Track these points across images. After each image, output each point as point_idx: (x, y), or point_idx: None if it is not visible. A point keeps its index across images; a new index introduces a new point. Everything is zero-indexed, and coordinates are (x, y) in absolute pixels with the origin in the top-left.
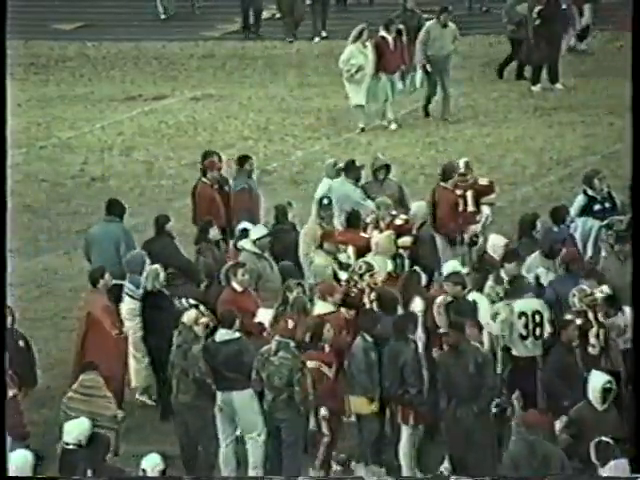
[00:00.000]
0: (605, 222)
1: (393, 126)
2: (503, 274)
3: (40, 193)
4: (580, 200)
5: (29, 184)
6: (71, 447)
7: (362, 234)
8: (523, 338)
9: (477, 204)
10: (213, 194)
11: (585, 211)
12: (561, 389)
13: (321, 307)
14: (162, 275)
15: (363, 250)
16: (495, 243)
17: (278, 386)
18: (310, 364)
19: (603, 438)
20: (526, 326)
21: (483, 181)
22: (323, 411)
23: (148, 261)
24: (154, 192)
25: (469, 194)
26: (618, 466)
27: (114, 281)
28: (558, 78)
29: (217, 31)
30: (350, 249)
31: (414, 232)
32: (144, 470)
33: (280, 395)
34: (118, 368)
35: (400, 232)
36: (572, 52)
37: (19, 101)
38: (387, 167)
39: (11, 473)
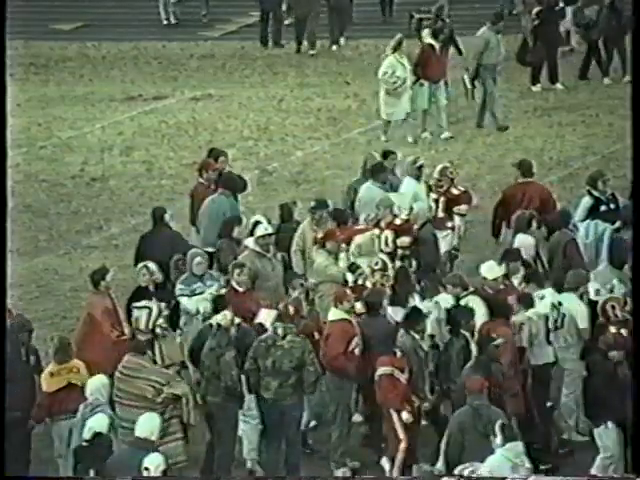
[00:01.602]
0: (616, 226)
1: (445, 134)
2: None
3: (40, 193)
4: (586, 202)
5: (29, 184)
6: (85, 444)
7: (358, 227)
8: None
9: (450, 212)
10: (209, 195)
11: (591, 213)
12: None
13: (335, 314)
14: (153, 270)
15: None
16: (524, 243)
17: (286, 370)
18: (383, 370)
19: (506, 420)
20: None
21: (456, 190)
22: (405, 415)
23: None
24: (154, 192)
25: (441, 200)
26: (513, 449)
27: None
28: (558, 78)
29: (217, 31)
30: (353, 247)
31: (415, 232)
32: (147, 469)
33: (288, 380)
34: (114, 369)
35: (400, 231)
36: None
37: (19, 101)
38: (382, 166)
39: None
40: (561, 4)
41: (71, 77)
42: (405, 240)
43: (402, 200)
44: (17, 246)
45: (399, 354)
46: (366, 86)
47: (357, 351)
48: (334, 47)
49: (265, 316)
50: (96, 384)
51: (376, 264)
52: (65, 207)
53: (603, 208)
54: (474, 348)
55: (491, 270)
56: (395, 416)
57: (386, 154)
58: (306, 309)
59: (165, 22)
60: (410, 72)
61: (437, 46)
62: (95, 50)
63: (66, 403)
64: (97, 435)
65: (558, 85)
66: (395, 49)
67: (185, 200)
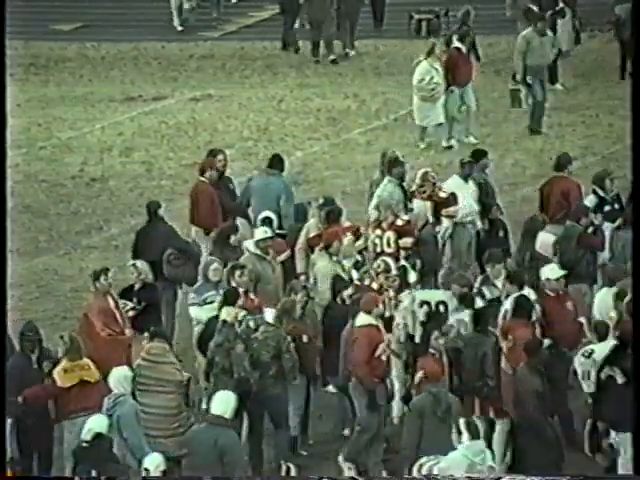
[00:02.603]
0: (617, 224)
1: (472, 139)
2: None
3: (40, 193)
4: (590, 200)
5: (29, 184)
6: (85, 445)
7: (350, 224)
8: None
9: (438, 216)
10: (212, 194)
11: (595, 212)
12: None
13: (363, 319)
14: (140, 269)
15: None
16: (544, 241)
17: (266, 360)
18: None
19: (472, 418)
20: None
21: (443, 193)
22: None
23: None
24: (154, 192)
25: (428, 204)
26: (472, 447)
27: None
28: (558, 78)
29: (217, 31)
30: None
31: (416, 232)
32: (147, 470)
33: (269, 371)
34: (109, 368)
35: (402, 232)
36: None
37: (19, 101)
38: (401, 163)
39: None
40: (561, 4)
41: (71, 77)
42: (407, 241)
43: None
44: (17, 246)
45: (438, 355)
46: (366, 86)
47: (384, 357)
48: (352, 52)
49: (225, 313)
50: (119, 376)
51: (378, 266)
52: (65, 207)
53: (607, 208)
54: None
55: (553, 271)
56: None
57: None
58: (302, 311)
59: (180, 28)
60: (443, 77)
61: (464, 50)
62: (95, 50)
63: (80, 400)
64: (97, 436)
65: (558, 85)
66: (428, 54)
67: (185, 200)
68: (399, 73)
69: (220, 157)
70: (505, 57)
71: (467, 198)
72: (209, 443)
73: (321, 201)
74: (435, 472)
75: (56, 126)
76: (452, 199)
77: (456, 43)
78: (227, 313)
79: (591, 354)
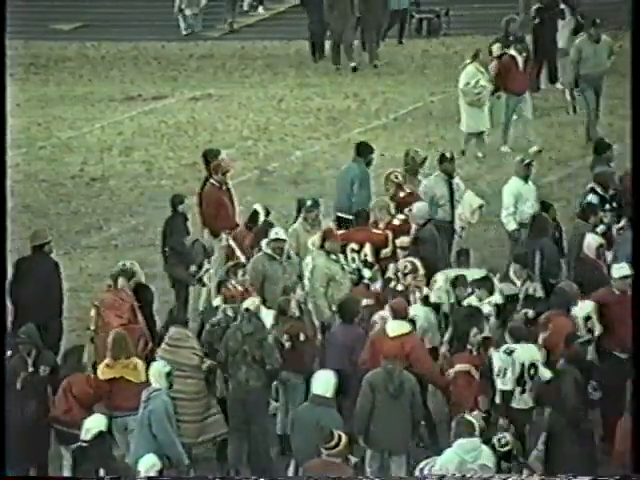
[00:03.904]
0: (621, 224)
1: (534, 148)
2: None
3: (40, 193)
4: (590, 199)
5: (29, 184)
6: (84, 445)
7: (375, 230)
8: None
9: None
10: (221, 197)
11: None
12: None
13: (402, 327)
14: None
15: (381, 246)
16: (590, 243)
17: (249, 350)
18: (460, 367)
19: (465, 415)
20: None
21: (403, 193)
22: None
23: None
24: (154, 192)
25: (392, 205)
26: (464, 445)
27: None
28: (558, 78)
29: (217, 31)
30: (368, 247)
31: (414, 232)
32: (146, 470)
33: (254, 362)
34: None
35: (399, 232)
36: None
37: (19, 101)
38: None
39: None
40: (561, 4)
41: (71, 77)
42: (404, 240)
43: (507, 199)
44: (17, 246)
45: (475, 352)
46: (366, 86)
47: None
48: (375, 62)
49: (250, 302)
50: (155, 370)
51: (405, 267)
52: (65, 207)
53: (607, 207)
54: None
55: (621, 269)
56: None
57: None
58: (299, 309)
59: (185, 32)
60: (490, 82)
61: (519, 58)
62: (95, 50)
63: (120, 399)
64: (98, 435)
65: (558, 85)
66: (474, 58)
67: (185, 200)
68: (399, 73)
69: (221, 157)
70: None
71: (530, 199)
72: (311, 423)
73: (309, 203)
74: (433, 473)
75: (56, 126)
76: (413, 197)
77: (511, 50)
78: (251, 302)
79: (512, 352)
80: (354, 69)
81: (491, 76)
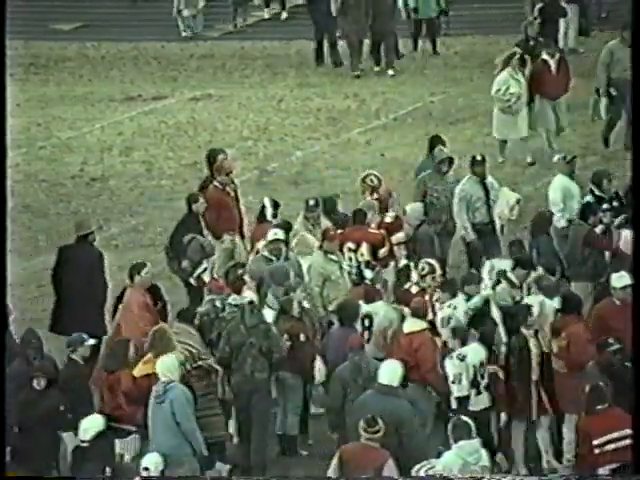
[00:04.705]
0: (617, 223)
1: (555, 158)
2: None
3: (40, 193)
4: (588, 199)
5: (29, 184)
6: (84, 445)
7: (371, 230)
8: None
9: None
10: (223, 198)
11: (592, 211)
12: None
13: (417, 324)
14: None
15: (378, 245)
16: (628, 239)
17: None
18: (489, 369)
19: (461, 417)
20: None
21: (377, 194)
22: (504, 417)
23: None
24: (154, 192)
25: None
26: (465, 447)
27: None
28: None
29: (217, 31)
30: (364, 246)
31: (410, 233)
32: (146, 469)
33: (259, 353)
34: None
35: (393, 230)
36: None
37: (19, 101)
38: (450, 160)
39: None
40: (562, 3)
41: (71, 77)
42: (400, 236)
43: (555, 196)
44: (17, 246)
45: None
46: (366, 86)
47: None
48: (390, 71)
49: (251, 295)
50: (166, 363)
51: (423, 269)
52: (65, 207)
53: (605, 206)
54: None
55: (621, 279)
56: (494, 418)
57: None
58: (300, 310)
59: (184, 34)
60: (525, 88)
61: (551, 61)
62: (95, 50)
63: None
64: (97, 436)
65: None
66: (507, 63)
67: (184, 200)
68: (399, 73)
69: (222, 157)
70: None
71: (575, 195)
72: (376, 410)
73: (311, 202)
74: (432, 474)
75: (56, 126)
76: (390, 200)
77: (543, 54)
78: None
79: (464, 358)
80: (357, 76)
81: (524, 82)
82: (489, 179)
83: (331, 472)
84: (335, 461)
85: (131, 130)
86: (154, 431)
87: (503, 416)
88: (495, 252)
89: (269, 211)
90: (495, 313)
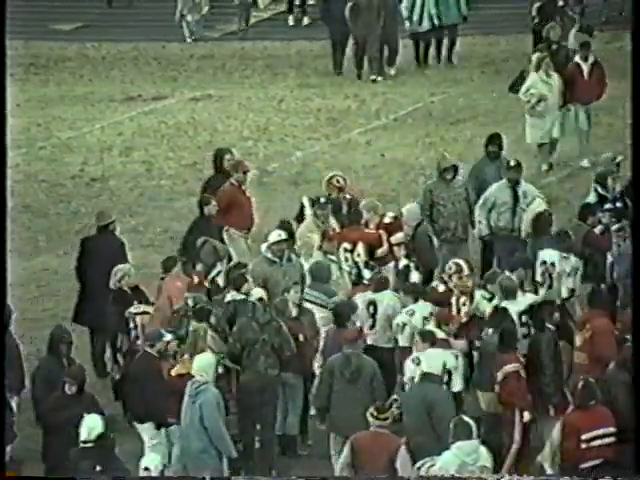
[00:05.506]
0: (620, 225)
1: (584, 162)
2: None
3: (40, 193)
4: (590, 199)
5: (29, 184)
6: (87, 445)
7: (367, 230)
8: None
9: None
10: (237, 195)
11: (594, 210)
12: None
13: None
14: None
15: (375, 246)
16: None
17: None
18: (511, 367)
19: (463, 417)
20: None
21: (348, 195)
22: (527, 415)
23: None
24: (154, 192)
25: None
26: (463, 447)
27: None
28: None
29: (217, 31)
30: (361, 246)
31: (410, 233)
32: (147, 469)
33: (271, 351)
34: None
35: (392, 230)
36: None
37: (19, 101)
38: (455, 168)
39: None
40: (561, 2)
41: (71, 77)
42: (399, 236)
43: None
44: (17, 246)
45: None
46: (366, 86)
47: None
48: (392, 72)
49: (260, 292)
50: (202, 362)
51: (450, 268)
52: (65, 207)
53: (608, 206)
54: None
55: None
56: (517, 416)
57: None
58: (298, 310)
59: (189, 40)
60: (559, 92)
61: (584, 66)
62: (95, 50)
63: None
64: (100, 435)
65: None
66: (538, 67)
67: (184, 201)
68: (399, 73)
69: (228, 156)
70: (505, 57)
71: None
72: (418, 398)
73: (322, 200)
74: (432, 473)
75: (56, 126)
76: (356, 201)
77: (576, 58)
78: (260, 295)
79: (419, 363)
80: (374, 80)
81: (556, 86)
82: (523, 186)
83: (342, 462)
84: (346, 451)
85: (131, 130)
86: (185, 428)
87: (526, 415)
88: (508, 259)
89: (308, 211)
90: (513, 309)
